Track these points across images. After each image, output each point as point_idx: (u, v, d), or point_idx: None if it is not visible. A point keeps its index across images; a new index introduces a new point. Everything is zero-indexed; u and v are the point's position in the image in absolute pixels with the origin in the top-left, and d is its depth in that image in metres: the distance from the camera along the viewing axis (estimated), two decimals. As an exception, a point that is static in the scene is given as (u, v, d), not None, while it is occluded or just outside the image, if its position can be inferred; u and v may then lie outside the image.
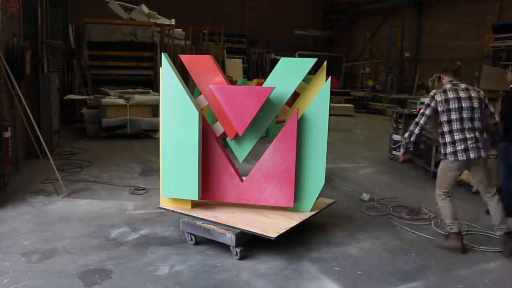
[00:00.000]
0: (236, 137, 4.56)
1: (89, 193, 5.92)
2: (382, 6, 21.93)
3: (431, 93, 4.47)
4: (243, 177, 4.62)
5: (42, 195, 5.74)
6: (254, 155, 8.57)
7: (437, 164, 7.20)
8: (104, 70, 14.39)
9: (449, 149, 4.32)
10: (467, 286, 3.68)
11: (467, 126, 4.29)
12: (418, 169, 7.89)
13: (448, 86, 4.41)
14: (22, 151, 7.33)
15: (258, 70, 22.85)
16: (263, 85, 4.52)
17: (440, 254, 4.28)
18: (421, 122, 4.41)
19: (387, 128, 9.53)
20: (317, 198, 4.57)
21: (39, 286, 3.45)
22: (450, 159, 4.33)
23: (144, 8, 17.30)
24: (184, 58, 4.66)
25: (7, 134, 6.09)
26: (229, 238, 4.00)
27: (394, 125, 8.63)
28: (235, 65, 20.11)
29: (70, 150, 8.64)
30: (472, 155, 4.25)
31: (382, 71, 21.65)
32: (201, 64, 4.64)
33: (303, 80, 4.55)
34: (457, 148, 4.27)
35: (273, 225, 4.17)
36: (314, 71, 4.87)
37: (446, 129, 4.32)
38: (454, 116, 4.28)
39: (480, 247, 4.45)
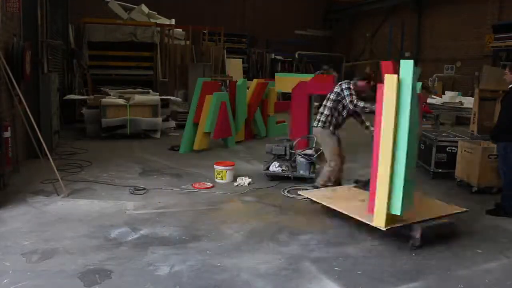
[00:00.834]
0: None
1: (89, 193, 5.91)
2: (382, 6, 21.94)
3: None
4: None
5: (42, 195, 5.73)
6: (255, 156, 8.62)
7: (437, 164, 7.25)
8: (104, 70, 14.40)
9: None
10: (467, 286, 3.67)
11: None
12: (418, 169, 7.88)
13: None
14: (22, 151, 7.33)
15: (258, 70, 22.85)
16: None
17: (440, 254, 4.28)
18: None
19: None
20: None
21: (39, 286, 3.45)
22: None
23: (144, 8, 17.31)
24: None
25: (7, 134, 6.08)
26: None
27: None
28: (235, 65, 20.13)
29: (70, 150, 8.64)
30: None
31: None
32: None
33: None
34: None
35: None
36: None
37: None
38: None
39: (478, 249, 4.46)
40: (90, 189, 6.09)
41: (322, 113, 6.01)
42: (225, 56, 18.49)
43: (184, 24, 17.10)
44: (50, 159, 6.04)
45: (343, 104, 5.92)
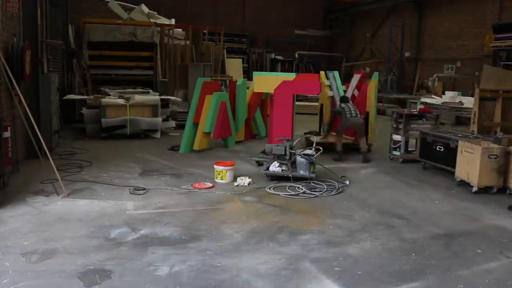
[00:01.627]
0: None
1: (89, 193, 5.91)
2: (382, 6, 21.94)
3: None
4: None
5: (42, 195, 5.73)
6: (252, 154, 8.62)
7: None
8: (104, 70, 14.41)
9: None
10: (467, 286, 3.67)
11: None
12: (418, 169, 7.90)
13: None
14: (22, 151, 7.33)
15: (258, 70, 22.86)
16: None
17: (440, 254, 4.28)
18: None
19: (387, 128, 9.53)
20: None
21: (39, 286, 3.45)
22: None
23: (144, 8, 17.32)
24: None
25: (7, 134, 6.08)
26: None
27: (394, 125, 8.61)
28: (235, 65, 20.13)
29: (70, 150, 8.64)
30: None
31: (382, 71, 21.68)
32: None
33: None
34: None
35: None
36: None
37: None
38: None
39: (478, 249, 4.45)
40: (90, 189, 6.08)
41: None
42: (225, 56, 18.49)
43: (184, 24, 17.10)
44: (50, 159, 6.03)
45: None
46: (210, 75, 14.86)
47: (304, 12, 25.11)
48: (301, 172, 6.72)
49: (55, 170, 5.94)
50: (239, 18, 23.77)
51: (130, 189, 6.10)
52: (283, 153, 6.82)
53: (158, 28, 15.28)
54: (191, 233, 4.60)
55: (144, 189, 6.12)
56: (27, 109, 6.29)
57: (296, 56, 23.82)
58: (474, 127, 9.43)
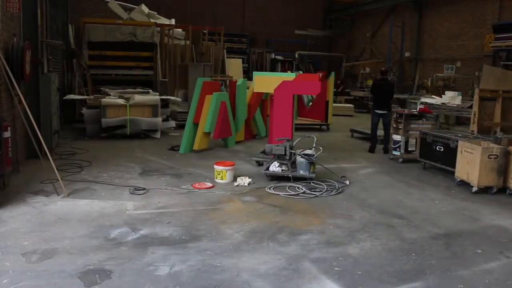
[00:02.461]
0: None
1: (89, 193, 5.91)
2: (382, 6, 21.93)
3: None
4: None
5: (42, 195, 5.73)
6: (252, 154, 8.62)
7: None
8: (104, 70, 14.40)
9: None
10: (467, 286, 3.67)
11: None
12: (418, 169, 7.90)
13: None
14: (22, 151, 7.33)
15: (258, 70, 22.85)
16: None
17: (440, 254, 4.28)
18: None
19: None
20: None
21: (39, 286, 3.45)
22: None
23: (144, 8, 17.31)
24: None
25: (7, 134, 6.08)
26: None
27: (394, 125, 8.62)
28: (235, 65, 20.12)
29: (70, 150, 8.64)
30: None
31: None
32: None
33: None
34: None
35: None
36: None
37: None
38: None
39: (478, 249, 4.45)
40: (90, 189, 6.09)
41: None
42: (225, 56, 18.48)
43: (184, 24, 17.09)
44: (50, 159, 6.04)
45: None
46: (210, 75, 14.86)
47: (304, 12, 25.10)
48: (301, 172, 6.72)
49: (55, 170, 5.94)
50: (239, 18, 23.76)
51: (130, 189, 6.10)
52: (283, 153, 6.83)
53: (158, 28, 15.28)
54: (191, 233, 4.60)
55: (144, 189, 6.12)
56: (27, 109, 6.29)
57: (296, 56, 23.81)
58: (474, 127, 9.43)
